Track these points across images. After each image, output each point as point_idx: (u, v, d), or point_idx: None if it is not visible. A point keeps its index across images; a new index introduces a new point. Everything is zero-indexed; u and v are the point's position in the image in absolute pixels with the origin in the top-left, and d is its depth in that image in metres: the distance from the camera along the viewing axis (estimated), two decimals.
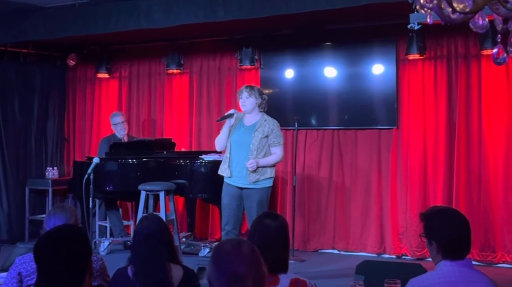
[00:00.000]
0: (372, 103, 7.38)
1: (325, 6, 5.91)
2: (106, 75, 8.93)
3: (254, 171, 5.83)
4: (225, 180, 6.02)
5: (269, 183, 5.95)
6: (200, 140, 8.28)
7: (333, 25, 7.33)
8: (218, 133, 6.23)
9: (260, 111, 6.02)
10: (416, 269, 3.41)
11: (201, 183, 6.99)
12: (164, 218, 5.09)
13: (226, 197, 6.00)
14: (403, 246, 7.20)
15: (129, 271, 3.11)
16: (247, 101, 5.97)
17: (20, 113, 8.60)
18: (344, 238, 7.52)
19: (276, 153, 5.95)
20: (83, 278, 2.23)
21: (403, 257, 7.17)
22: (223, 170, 6.02)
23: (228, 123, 6.04)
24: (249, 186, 5.89)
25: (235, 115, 6.03)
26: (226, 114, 6.14)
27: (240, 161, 5.93)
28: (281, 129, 5.96)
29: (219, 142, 6.10)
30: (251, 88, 6.05)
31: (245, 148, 5.90)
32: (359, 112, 7.43)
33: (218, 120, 6.28)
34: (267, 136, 5.92)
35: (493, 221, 6.78)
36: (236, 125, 6.04)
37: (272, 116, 6.00)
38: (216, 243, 6.54)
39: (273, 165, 5.99)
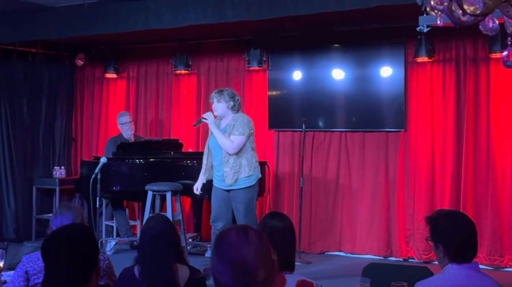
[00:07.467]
0: (380, 105, 7.37)
1: (334, 7, 5.89)
2: (114, 75, 8.94)
3: (229, 169, 5.87)
4: (213, 183, 6.14)
5: (252, 182, 5.98)
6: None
7: (342, 27, 7.31)
8: None
9: (234, 113, 6.03)
10: (423, 272, 3.39)
11: (208, 184, 6.98)
12: (171, 219, 5.09)
13: (214, 199, 6.13)
14: (410, 249, 7.18)
15: (136, 271, 3.12)
16: (218, 106, 6.03)
17: (28, 113, 8.62)
18: (351, 240, 7.50)
19: (231, 140, 5.90)
20: (90, 277, 2.23)
21: (409, 260, 7.14)
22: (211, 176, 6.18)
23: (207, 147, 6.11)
24: (232, 188, 5.95)
25: (208, 119, 6.01)
26: (200, 119, 6.16)
27: (217, 165, 6.02)
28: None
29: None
30: (220, 93, 6.06)
31: (219, 151, 5.96)
32: (367, 114, 7.42)
33: (194, 125, 6.29)
34: None
35: (500, 225, 6.75)
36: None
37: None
38: None
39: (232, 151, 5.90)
